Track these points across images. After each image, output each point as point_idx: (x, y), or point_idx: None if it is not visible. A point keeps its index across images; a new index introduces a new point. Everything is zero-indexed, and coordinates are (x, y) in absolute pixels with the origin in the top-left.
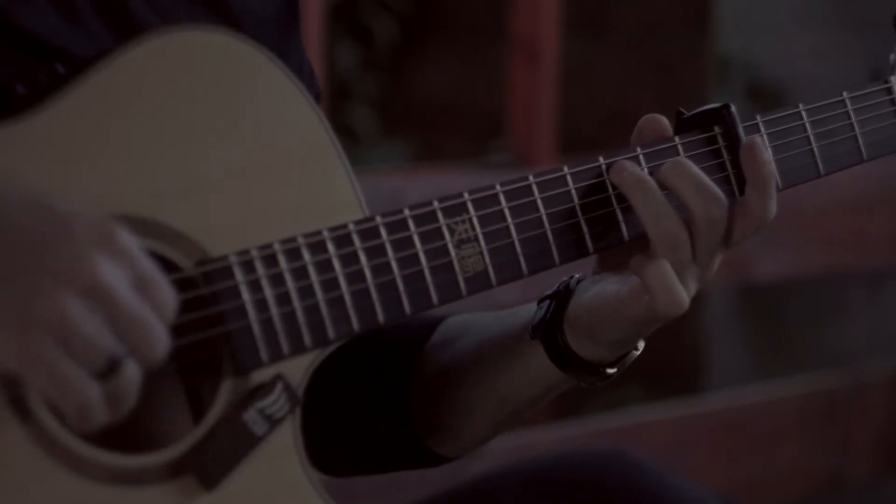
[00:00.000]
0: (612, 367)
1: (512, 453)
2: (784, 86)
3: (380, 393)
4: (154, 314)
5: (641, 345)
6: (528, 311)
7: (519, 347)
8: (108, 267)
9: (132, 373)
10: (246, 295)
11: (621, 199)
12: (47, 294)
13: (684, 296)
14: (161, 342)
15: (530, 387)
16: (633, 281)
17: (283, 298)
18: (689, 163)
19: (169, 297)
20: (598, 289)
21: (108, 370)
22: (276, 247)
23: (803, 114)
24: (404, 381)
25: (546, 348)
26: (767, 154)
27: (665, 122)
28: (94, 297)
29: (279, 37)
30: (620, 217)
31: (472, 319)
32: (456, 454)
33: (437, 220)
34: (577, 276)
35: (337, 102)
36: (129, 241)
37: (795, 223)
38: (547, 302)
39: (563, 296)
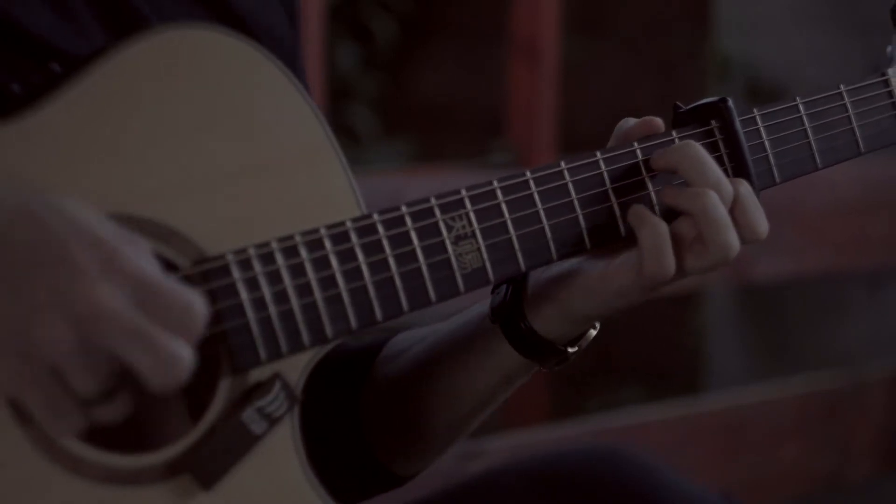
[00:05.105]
0: (571, 345)
1: (511, 453)
2: (784, 86)
3: (332, 416)
4: (166, 332)
5: (598, 324)
6: (476, 308)
7: (474, 339)
8: (107, 291)
9: (120, 405)
10: (243, 293)
11: (619, 193)
12: (42, 321)
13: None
14: (176, 362)
15: (487, 378)
16: (624, 255)
17: (281, 296)
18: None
19: (187, 308)
20: (576, 263)
21: (103, 397)
22: (274, 244)
23: (800, 107)
24: (355, 399)
25: (505, 332)
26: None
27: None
28: (91, 323)
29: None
30: (618, 212)
31: (419, 331)
32: (412, 470)
33: (434, 216)
34: None
35: (337, 102)
36: (134, 257)
37: (796, 224)
38: (503, 287)
39: (517, 278)
